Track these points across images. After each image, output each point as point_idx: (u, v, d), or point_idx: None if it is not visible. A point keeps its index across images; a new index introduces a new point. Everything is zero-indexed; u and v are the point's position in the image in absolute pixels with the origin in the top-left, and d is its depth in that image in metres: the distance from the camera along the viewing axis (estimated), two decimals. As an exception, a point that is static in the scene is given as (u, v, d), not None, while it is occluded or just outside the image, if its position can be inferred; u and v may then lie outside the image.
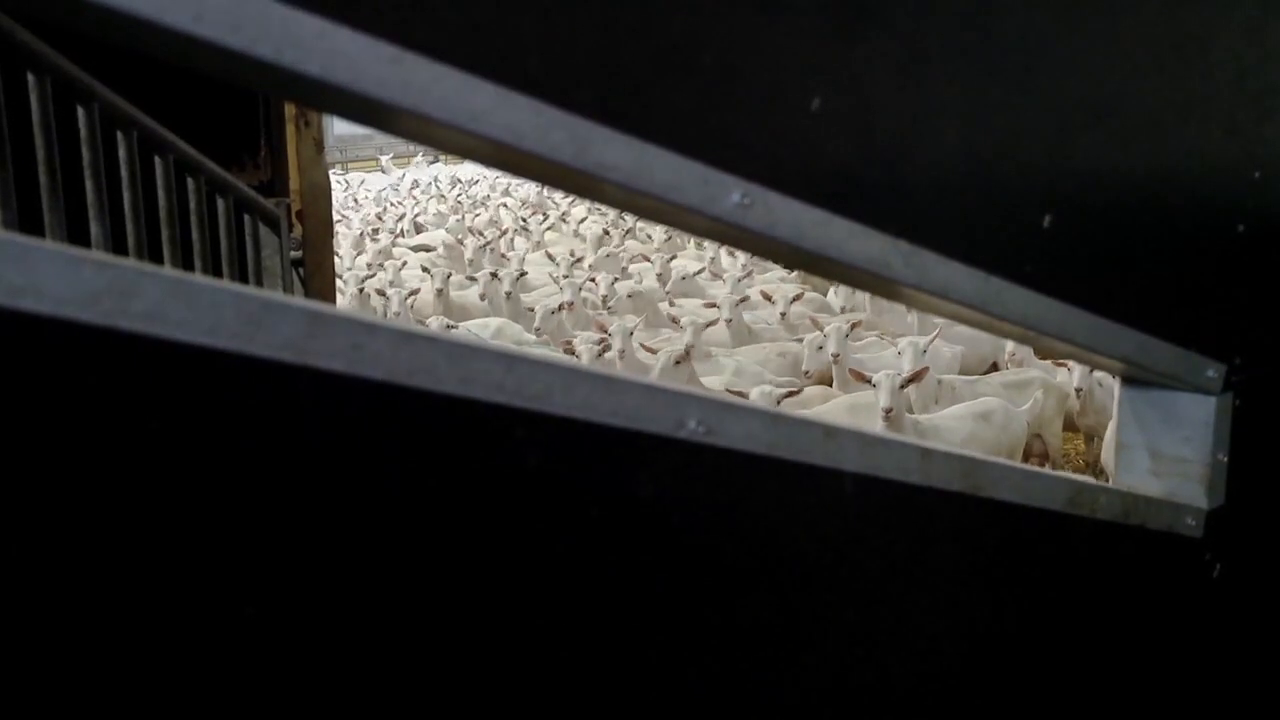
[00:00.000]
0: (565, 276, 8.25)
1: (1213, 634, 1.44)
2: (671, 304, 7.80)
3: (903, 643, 1.10)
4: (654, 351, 5.49)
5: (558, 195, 15.28)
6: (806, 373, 5.79)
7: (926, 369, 5.01)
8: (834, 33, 0.92)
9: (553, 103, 0.76)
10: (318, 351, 0.68)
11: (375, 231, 12.26)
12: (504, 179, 17.96)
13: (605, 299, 7.75)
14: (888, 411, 4.54)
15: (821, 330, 5.96)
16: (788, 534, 0.97)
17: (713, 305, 7.09)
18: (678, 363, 5.19)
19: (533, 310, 7.25)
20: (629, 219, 11.59)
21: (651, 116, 0.82)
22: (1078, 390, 5.24)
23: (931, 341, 5.59)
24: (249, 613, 0.69)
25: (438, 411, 0.74)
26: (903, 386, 4.62)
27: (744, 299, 7.07)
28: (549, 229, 12.50)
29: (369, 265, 9.45)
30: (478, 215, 13.91)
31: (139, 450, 0.64)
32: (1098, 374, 5.15)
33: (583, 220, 12.58)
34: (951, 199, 1.04)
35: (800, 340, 6.16)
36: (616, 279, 8.26)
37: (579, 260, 9.21)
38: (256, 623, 0.70)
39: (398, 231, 12.46)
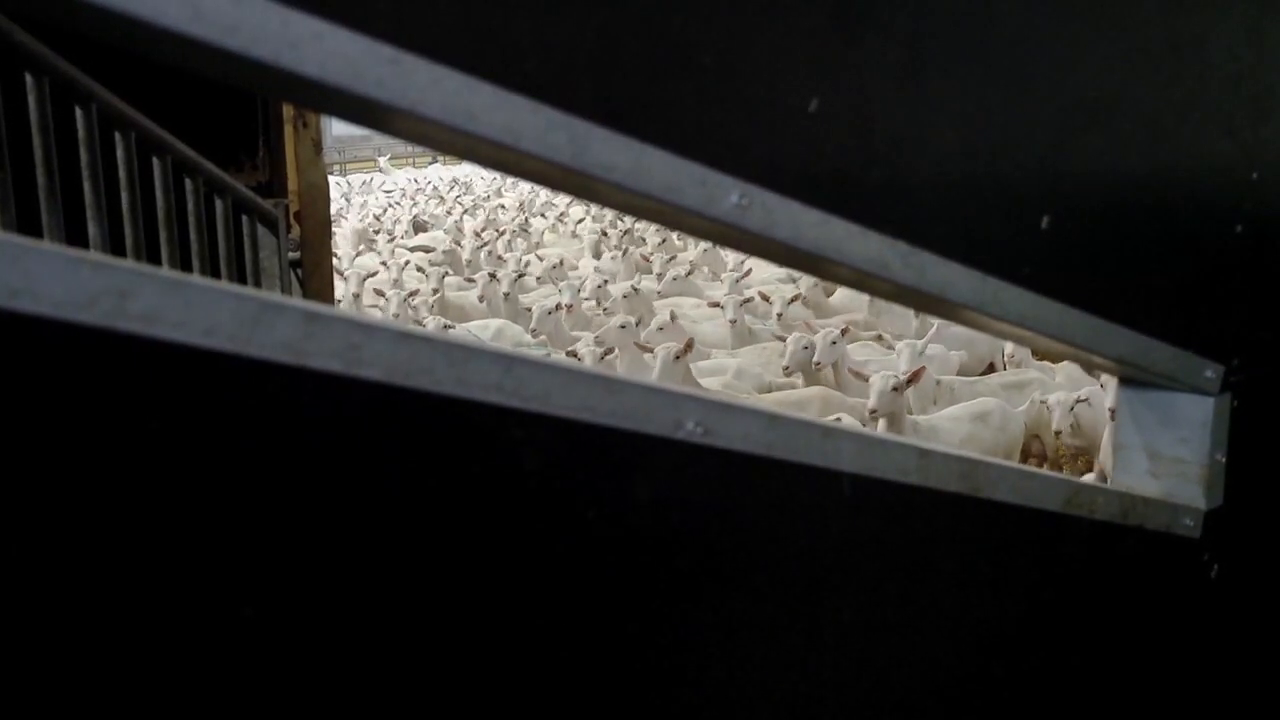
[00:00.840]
0: (541, 276, 8.23)
1: (1211, 635, 1.44)
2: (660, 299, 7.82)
3: (901, 643, 1.10)
4: (650, 350, 5.49)
5: (549, 198, 15.29)
6: (787, 369, 5.74)
7: (923, 369, 4.99)
8: (832, 33, 0.92)
9: (551, 103, 0.76)
10: (315, 352, 0.68)
11: (375, 232, 12.28)
12: (498, 180, 17.98)
13: (599, 301, 7.76)
14: (873, 412, 4.51)
15: (814, 333, 5.96)
16: (786, 535, 0.97)
17: (716, 305, 7.09)
18: (677, 358, 5.19)
19: (532, 309, 7.25)
20: (627, 220, 11.59)
21: (650, 117, 0.82)
22: (1057, 433, 5.04)
23: (928, 343, 5.57)
24: (247, 613, 0.69)
25: (436, 412, 0.74)
26: (896, 389, 4.57)
27: (747, 299, 7.08)
28: (547, 230, 12.52)
29: (384, 265, 9.46)
30: (470, 216, 13.91)
31: (138, 451, 0.64)
32: (1084, 397, 5.01)
33: (580, 221, 12.59)
34: (950, 200, 1.05)
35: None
36: (606, 281, 8.28)
37: (559, 264, 9.20)
38: (255, 623, 0.70)
39: (395, 234, 12.47)
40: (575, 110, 0.77)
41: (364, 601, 0.74)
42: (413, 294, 7.87)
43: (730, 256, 9.53)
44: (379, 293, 8.10)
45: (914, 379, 4.74)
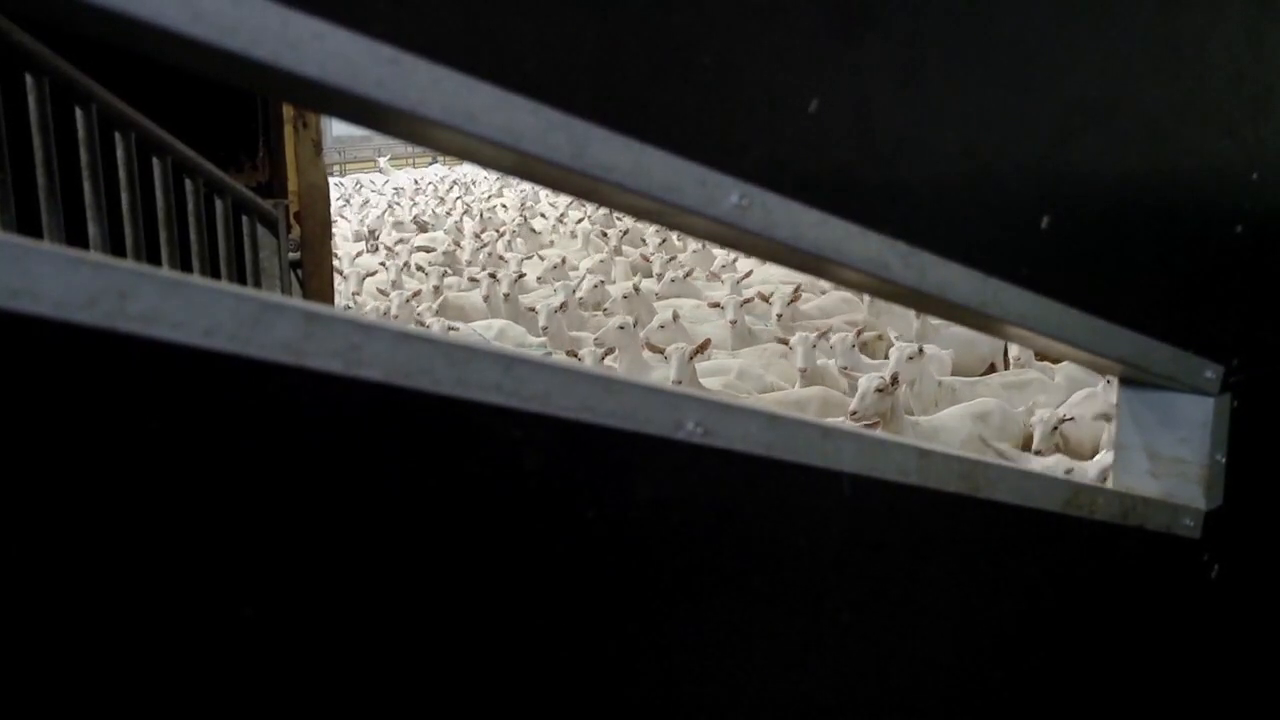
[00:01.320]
0: (551, 277, 8.26)
1: (1211, 635, 1.44)
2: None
3: (901, 643, 1.10)
4: (659, 350, 5.49)
5: (549, 198, 15.29)
6: (804, 371, 5.74)
7: (896, 375, 4.90)
8: (832, 34, 0.92)
9: (551, 104, 0.76)
10: (315, 352, 0.68)
11: (373, 233, 12.30)
12: (498, 180, 17.98)
13: (599, 302, 7.76)
14: (853, 414, 4.48)
15: (825, 336, 5.93)
16: (786, 535, 0.97)
17: (716, 305, 7.09)
18: (691, 357, 5.20)
19: (535, 309, 7.25)
20: (625, 221, 11.58)
21: (650, 118, 0.82)
22: (1037, 452, 4.67)
23: (918, 350, 5.51)
24: (247, 613, 0.69)
25: (436, 412, 0.74)
26: (880, 390, 4.53)
27: (747, 300, 7.08)
28: (547, 230, 12.53)
29: (383, 264, 9.47)
30: (470, 217, 13.92)
31: (138, 451, 0.64)
32: (1070, 416, 4.87)
33: (579, 221, 12.60)
34: (949, 200, 1.04)
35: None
36: (603, 281, 8.29)
37: (560, 264, 9.21)
38: (255, 623, 0.70)
39: (396, 236, 12.49)
40: (575, 110, 0.77)
41: (364, 602, 0.74)
42: (415, 294, 7.88)
43: (719, 254, 9.51)
44: (382, 293, 8.11)
45: (895, 383, 4.68)
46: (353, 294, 8.31)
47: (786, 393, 5.45)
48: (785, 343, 5.94)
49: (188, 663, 0.68)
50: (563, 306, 7.11)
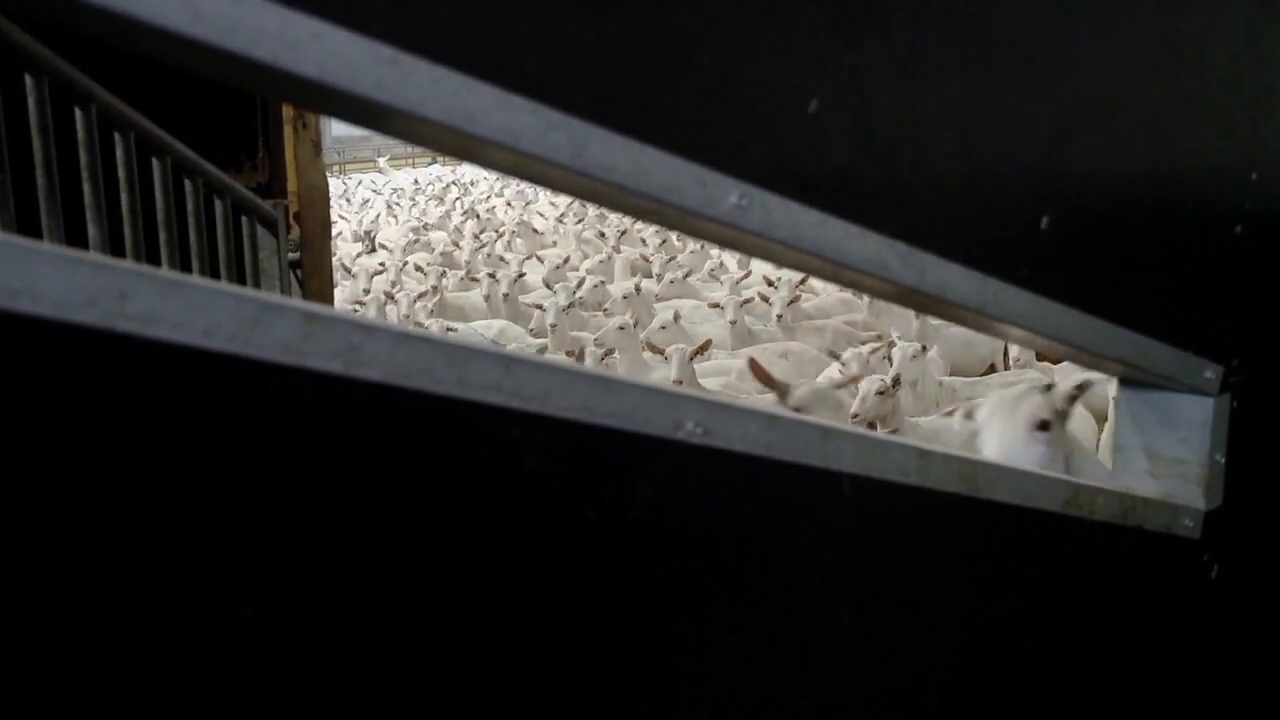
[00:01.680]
0: (554, 279, 8.28)
1: (1210, 635, 1.44)
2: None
3: (901, 643, 1.10)
4: (660, 351, 5.49)
5: (549, 198, 15.28)
6: (856, 379, 5.72)
7: (898, 377, 4.88)
8: (832, 34, 0.92)
9: (551, 104, 0.76)
10: (315, 353, 0.68)
11: (369, 234, 12.31)
12: (499, 181, 17.97)
13: (599, 303, 7.76)
14: (855, 417, 4.46)
15: (877, 350, 5.90)
16: (786, 535, 0.97)
17: (716, 306, 7.09)
18: (692, 358, 5.20)
19: (541, 307, 7.23)
20: (620, 222, 11.55)
21: (650, 118, 0.82)
22: None
23: (921, 349, 5.51)
24: (247, 613, 0.69)
25: (435, 413, 0.74)
26: (882, 393, 4.51)
27: (747, 300, 7.07)
28: (548, 230, 12.53)
29: (382, 265, 9.48)
30: (471, 218, 13.92)
31: (137, 451, 0.64)
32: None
33: (579, 221, 12.60)
34: (949, 200, 1.05)
35: (804, 342, 6.12)
36: (603, 281, 8.29)
37: (561, 265, 9.20)
38: (254, 623, 0.70)
39: (412, 239, 12.50)
40: (575, 111, 0.77)
41: (364, 601, 0.74)
42: (421, 295, 7.89)
43: (714, 254, 9.50)
44: (389, 296, 8.12)
45: (896, 384, 4.66)
46: (363, 290, 8.31)
47: (784, 392, 5.44)
48: (836, 356, 5.87)
49: (188, 662, 0.68)
50: (569, 306, 7.11)
